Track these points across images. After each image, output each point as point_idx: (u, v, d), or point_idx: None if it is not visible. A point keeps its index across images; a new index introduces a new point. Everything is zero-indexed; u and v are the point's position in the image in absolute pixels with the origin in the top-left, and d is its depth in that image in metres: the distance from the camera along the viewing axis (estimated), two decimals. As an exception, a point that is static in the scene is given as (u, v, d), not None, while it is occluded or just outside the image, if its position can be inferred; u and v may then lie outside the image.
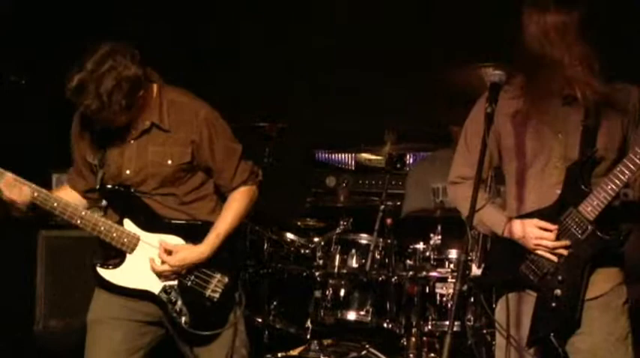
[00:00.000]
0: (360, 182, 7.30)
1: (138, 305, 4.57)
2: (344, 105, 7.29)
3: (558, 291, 4.16)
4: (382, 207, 6.09)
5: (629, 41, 5.98)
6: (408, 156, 7.22)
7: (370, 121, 6.87)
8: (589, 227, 4.13)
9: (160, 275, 4.52)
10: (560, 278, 4.16)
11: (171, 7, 7.33)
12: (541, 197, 4.22)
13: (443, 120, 6.24)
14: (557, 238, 4.15)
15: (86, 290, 4.77)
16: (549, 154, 4.21)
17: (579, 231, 4.14)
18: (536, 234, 4.16)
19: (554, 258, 4.16)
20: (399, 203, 6.46)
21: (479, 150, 3.98)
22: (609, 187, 4.09)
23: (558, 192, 4.18)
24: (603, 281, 4.20)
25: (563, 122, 4.19)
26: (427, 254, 5.92)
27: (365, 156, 7.36)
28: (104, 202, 4.58)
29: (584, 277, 4.16)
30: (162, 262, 4.51)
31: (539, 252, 4.17)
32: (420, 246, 5.95)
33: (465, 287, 5.46)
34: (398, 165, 7.01)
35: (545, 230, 4.16)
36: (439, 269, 5.86)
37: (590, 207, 4.12)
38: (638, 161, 4.06)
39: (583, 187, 4.14)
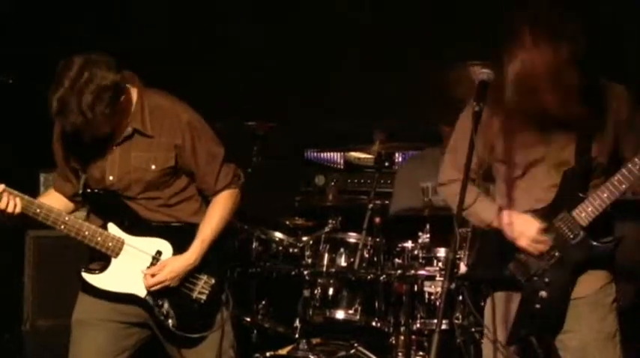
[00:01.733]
0: (349, 181, 7.29)
1: (123, 306, 4.56)
2: (333, 105, 7.28)
3: (544, 293, 4.17)
4: (371, 205, 6.10)
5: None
6: (396, 155, 7.22)
7: (359, 120, 6.87)
8: (581, 233, 4.14)
9: (153, 290, 4.51)
10: (547, 280, 4.17)
11: (161, 7, 7.32)
12: (532, 199, 4.22)
13: (432, 119, 6.24)
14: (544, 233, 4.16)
15: (74, 291, 4.76)
16: (542, 158, 4.20)
17: (571, 236, 4.14)
18: (522, 223, 4.16)
19: (534, 251, 4.16)
20: (387, 202, 6.45)
21: (473, 148, 3.98)
22: (605, 195, 4.10)
23: (552, 195, 4.18)
24: (592, 281, 4.21)
25: (555, 126, 4.19)
26: (415, 252, 5.92)
27: (354, 154, 7.35)
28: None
29: (572, 282, 4.17)
30: (153, 275, 4.50)
31: (519, 243, 4.17)
32: (409, 244, 5.95)
33: (453, 286, 5.46)
34: (387, 164, 7.01)
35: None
36: (427, 268, 5.86)
37: (584, 213, 4.13)
38: (636, 171, 4.07)
39: (579, 193, 4.14)
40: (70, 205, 4.68)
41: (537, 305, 4.16)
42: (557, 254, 4.16)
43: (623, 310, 4.34)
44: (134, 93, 4.50)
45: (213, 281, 4.57)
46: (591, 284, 4.20)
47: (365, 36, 7.26)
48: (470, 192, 4.03)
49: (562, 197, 4.17)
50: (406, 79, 6.95)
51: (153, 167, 4.50)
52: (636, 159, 4.07)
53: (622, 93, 4.23)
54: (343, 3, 7.31)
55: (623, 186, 4.08)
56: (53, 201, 4.62)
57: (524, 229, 4.16)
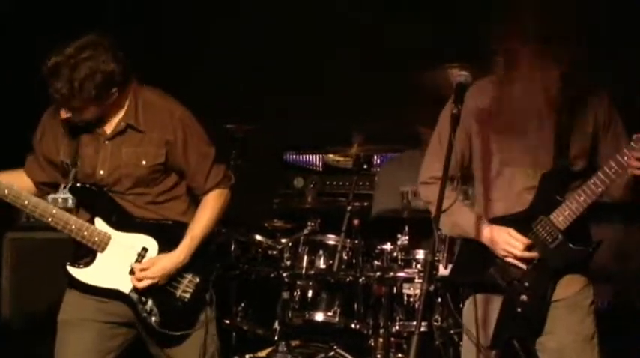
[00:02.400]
0: (328, 183, 7.29)
1: (109, 306, 4.56)
2: (311, 106, 7.28)
3: (524, 297, 4.18)
4: (350, 207, 6.11)
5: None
6: (375, 158, 7.22)
7: (338, 122, 6.87)
8: (559, 236, 4.16)
9: (141, 286, 4.50)
10: (527, 284, 4.19)
11: (142, 10, 7.31)
12: (510, 201, 4.24)
13: (411, 121, 6.24)
14: (528, 246, 4.17)
15: (52, 292, 4.76)
16: (520, 160, 4.22)
17: (549, 240, 4.16)
18: (506, 242, 4.17)
19: (522, 266, 4.18)
20: (366, 204, 6.46)
21: (452, 151, 4.00)
22: (582, 199, 4.12)
23: (529, 197, 4.20)
24: (570, 285, 4.23)
25: (535, 128, 4.21)
26: (394, 254, 5.93)
27: (333, 157, 7.34)
28: (50, 197, 4.55)
29: (551, 286, 4.19)
30: (142, 270, 4.50)
31: (507, 259, 4.20)
32: (388, 246, 5.95)
33: (432, 288, 5.47)
34: (365, 166, 7.02)
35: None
36: (406, 270, 5.86)
37: (562, 217, 4.14)
38: (612, 174, 4.08)
39: (557, 196, 4.16)
40: (34, 191, 4.65)
41: (518, 309, 4.18)
42: (536, 258, 4.19)
43: (601, 311, 4.37)
44: (130, 91, 4.51)
45: (197, 280, 4.58)
46: (569, 287, 4.23)
47: (344, 37, 7.26)
48: (448, 198, 4.04)
49: (540, 200, 4.19)
50: (385, 80, 6.95)
51: (143, 162, 4.50)
52: (612, 163, 4.08)
53: (603, 96, 4.26)
54: (323, 4, 7.31)
55: (600, 189, 4.10)
56: (19, 181, 4.61)
57: (510, 248, 4.18)
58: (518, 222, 4.21)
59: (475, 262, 4.28)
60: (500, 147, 4.24)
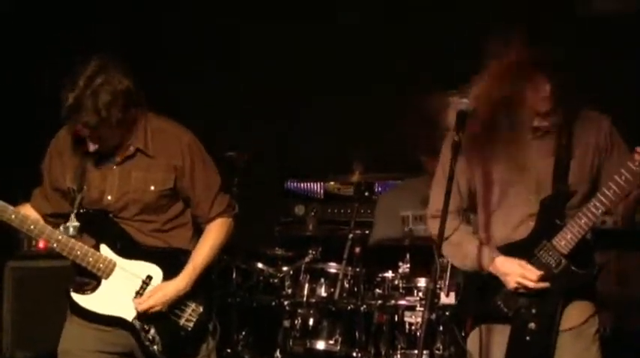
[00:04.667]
0: (329, 211, 7.29)
1: (110, 336, 4.53)
2: (313, 134, 7.29)
3: (532, 325, 4.17)
4: (351, 235, 6.11)
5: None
6: (376, 185, 7.22)
7: (339, 150, 6.88)
8: (563, 261, 4.15)
9: (142, 310, 4.49)
10: (534, 311, 4.17)
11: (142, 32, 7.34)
12: (512, 229, 4.23)
13: (412, 149, 6.25)
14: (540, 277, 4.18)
15: (53, 321, 4.74)
16: (521, 187, 4.22)
17: (553, 265, 4.15)
18: (520, 274, 4.16)
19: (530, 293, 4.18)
20: (367, 231, 6.46)
21: (456, 181, 4.01)
22: (583, 221, 4.11)
23: (531, 224, 4.20)
24: (577, 314, 4.21)
25: (534, 155, 4.22)
26: (396, 282, 5.93)
27: (334, 184, 7.35)
28: (61, 228, 4.55)
29: (558, 311, 4.18)
30: (143, 298, 4.48)
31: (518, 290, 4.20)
32: (389, 274, 5.96)
33: (433, 316, 5.46)
34: (366, 194, 7.02)
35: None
36: (408, 298, 5.86)
37: (564, 241, 4.14)
38: (611, 196, 4.07)
39: (557, 221, 4.16)
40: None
41: (527, 338, 4.16)
42: (544, 281, 4.18)
43: (606, 339, 4.36)
44: (140, 114, 4.50)
45: (201, 309, 4.56)
46: (577, 317, 4.21)
47: (345, 65, 7.29)
48: (456, 229, 4.05)
49: (541, 226, 4.19)
50: (387, 108, 6.96)
51: (152, 188, 4.49)
52: (611, 183, 4.08)
53: (604, 122, 4.26)
54: (323, 28, 7.34)
55: (600, 211, 4.10)
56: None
57: (523, 281, 4.16)
58: (521, 249, 4.20)
59: (481, 292, 4.27)
60: (503, 176, 4.24)
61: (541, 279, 4.14)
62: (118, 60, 4.38)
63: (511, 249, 4.21)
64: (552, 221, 4.16)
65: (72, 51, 4.40)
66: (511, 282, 4.17)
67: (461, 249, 4.25)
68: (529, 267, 4.15)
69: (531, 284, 4.14)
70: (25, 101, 6.79)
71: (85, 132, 4.34)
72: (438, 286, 5.37)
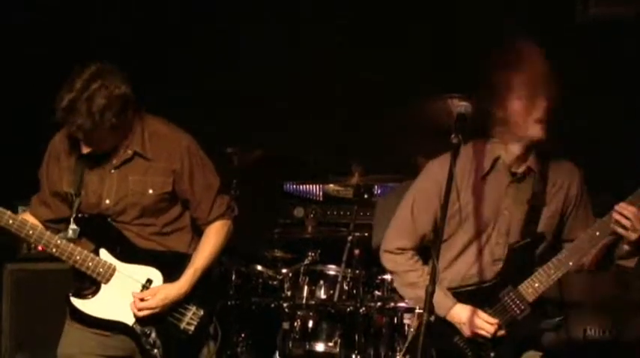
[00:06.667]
0: (328, 213, 7.27)
1: (110, 339, 4.53)
2: (312, 136, 7.29)
3: None
4: (350, 237, 6.11)
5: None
6: (375, 187, 7.22)
7: (338, 152, 6.88)
8: (527, 308, 4.16)
9: (141, 315, 4.48)
10: (492, 355, 4.20)
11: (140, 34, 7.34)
12: (480, 271, 4.26)
13: (410, 151, 6.25)
14: (495, 315, 4.21)
15: (52, 324, 4.74)
16: (492, 230, 4.24)
17: (517, 311, 4.18)
18: (478, 326, 4.19)
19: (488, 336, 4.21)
20: (366, 233, 6.45)
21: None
22: (552, 272, 4.15)
23: (497, 268, 4.22)
24: None
25: (510, 199, 4.23)
26: (395, 284, 5.91)
27: (333, 186, 7.34)
28: (62, 233, 4.55)
29: (517, 356, 4.21)
30: (142, 300, 4.48)
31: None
32: (388, 276, 5.94)
33: (432, 318, 5.45)
34: (366, 196, 7.01)
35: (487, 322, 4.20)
36: (407, 300, 5.84)
37: (531, 289, 4.17)
38: (586, 248, 4.12)
39: (525, 268, 4.17)
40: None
41: None
42: (502, 329, 4.20)
43: (606, 342, 4.38)
44: (137, 117, 4.51)
45: (201, 312, 4.57)
46: None
47: (344, 67, 7.28)
48: (416, 270, 4.22)
49: (508, 271, 4.21)
50: (385, 109, 6.97)
51: (150, 191, 4.50)
52: (583, 236, 4.12)
53: (573, 170, 4.31)
54: (323, 31, 7.34)
55: (570, 262, 4.13)
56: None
57: (481, 332, 4.22)
58: (486, 292, 4.23)
59: (442, 329, 4.30)
60: (476, 217, 4.26)
61: (501, 326, 4.16)
62: (115, 67, 4.37)
63: (475, 292, 4.24)
64: (520, 267, 4.18)
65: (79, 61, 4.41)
66: (467, 332, 4.21)
67: (415, 290, 4.30)
68: (485, 316, 4.18)
69: (488, 335, 4.17)
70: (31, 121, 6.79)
71: (79, 135, 4.34)
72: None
